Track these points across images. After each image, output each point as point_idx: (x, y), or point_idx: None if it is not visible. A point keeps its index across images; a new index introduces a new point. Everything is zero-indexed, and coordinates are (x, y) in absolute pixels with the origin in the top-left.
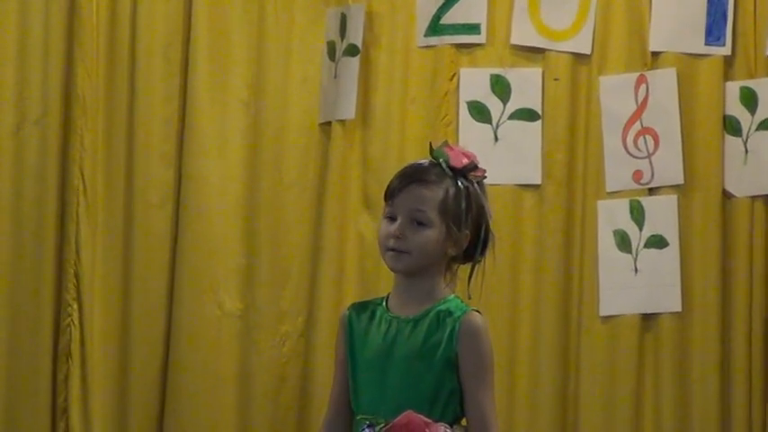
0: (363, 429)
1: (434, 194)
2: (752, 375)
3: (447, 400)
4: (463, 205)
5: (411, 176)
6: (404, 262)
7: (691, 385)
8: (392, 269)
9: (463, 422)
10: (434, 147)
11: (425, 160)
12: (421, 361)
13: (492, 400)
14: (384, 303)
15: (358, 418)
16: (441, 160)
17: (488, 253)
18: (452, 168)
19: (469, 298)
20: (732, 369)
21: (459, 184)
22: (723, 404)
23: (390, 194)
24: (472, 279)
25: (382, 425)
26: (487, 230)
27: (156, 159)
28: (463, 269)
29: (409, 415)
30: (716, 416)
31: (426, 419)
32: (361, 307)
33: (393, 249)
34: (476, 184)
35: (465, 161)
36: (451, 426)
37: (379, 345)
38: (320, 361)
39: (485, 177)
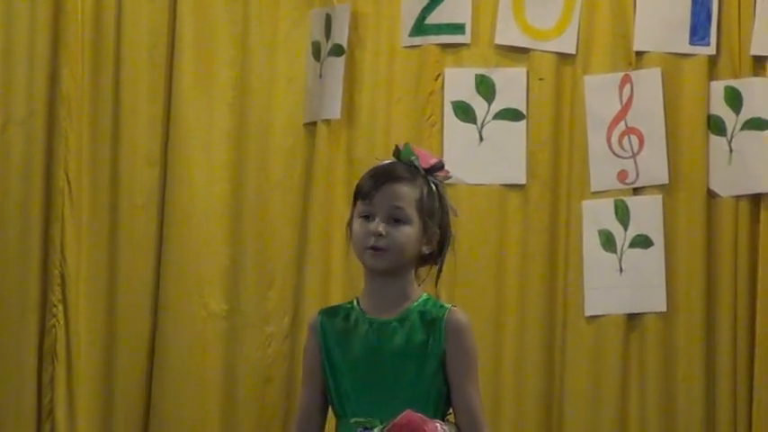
0: None
1: (412, 192)
2: (737, 375)
3: (438, 397)
4: (436, 203)
5: (387, 175)
6: (384, 260)
7: (676, 385)
8: (372, 268)
9: (450, 418)
10: (400, 148)
11: (391, 161)
12: (412, 361)
13: (479, 395)
14: (357, 306)
15: (351, 421)
16: (412, 159)
17: (449, 253)
18: (423, 168)
19: (437, 297)
20: (717, 369)
21: (431, 182)
22: (708, 404)
23: (366, 193)
24: (440, 277)
25: (380, 427)
26: (450, 230)
27: (141, 160)
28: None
29: (408, 414)
30: (701, 415)
31: (424, 417)
32: (331, 312)
33: (374, 248)
34: (441, 184)
35: (433, 161)
36: (444, 422)
37: (364, 348)
38: None
39: (448, 178)
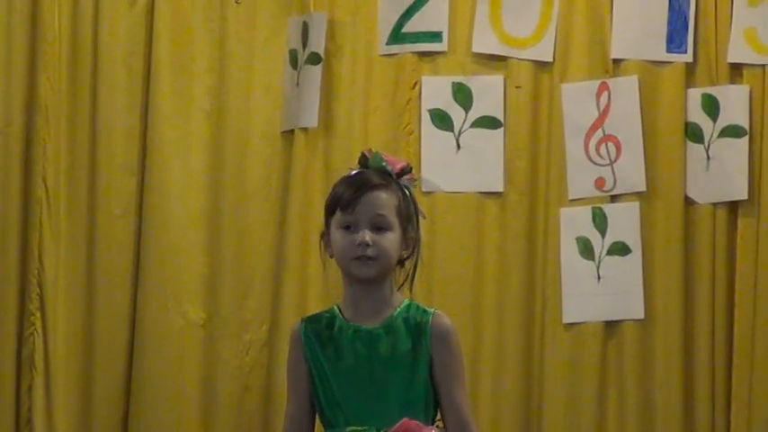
0: None
1: (391, 198)
2: (714, 382)
3: (429, 402)
4: (412, 207)
5: (365, 184)
6: (373, 269)
7: (654, 392)
8: (363, 277)
9: (439, 423)
10: (368, 155)
11: (358, 169)
12: (401, 369)
13: (467, 397)
14: (339, 314)
15: (348, 430)
16: (383, 165)
17: (417, 255)
18: (394, 173)
19: (412, 300)
20: (695, 376)
21: (403, 187)
22: (686, 411)
23: (346, 204)
24: (414, 280)
25: None
26: (419, 232)
27: (118, 169)
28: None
29: (405, 423)
30: (679, 422)
31: (420, 424)
32: (313, 319)
33: (361, 258)
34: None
35: (401, 165)
36: (435, 427)
37: (352, 356)
38: (284, 370)
39: (414, 180)
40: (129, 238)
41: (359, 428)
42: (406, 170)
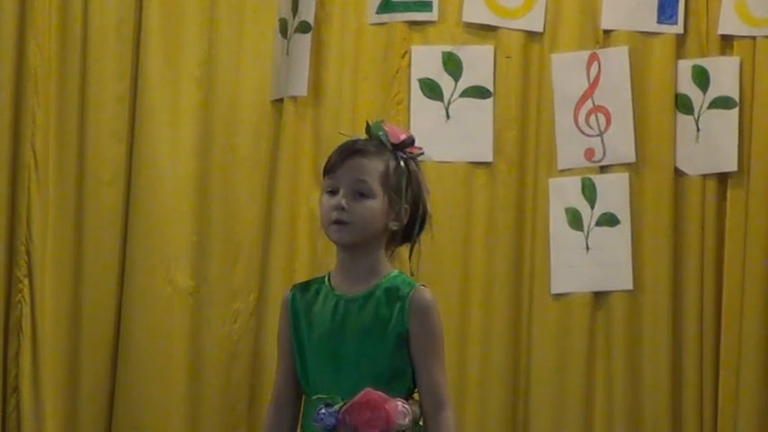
0: (320, 409)
1: (375, 165)
2: (703, 353)
3: (401, 375)
4: (404, 178)
5: (351, 149)
6: (348, 234)
7: (642, 363)
8: (336, 242)
9: (416, 396)
10: (371, 124)
11: (358, 137)
12: (373, 338)
13: (444, 374)
14: (327, 282)
15: (313, 398)
16: (380, 134)
17: (426, 230)
18: (391, 143)
19: (412, 275)
20: (683, 347)
21: (399, 158)
22: (674, 382)
23: (330, 168)
24: (412, 257)
25: (340, 404)
26: (425, 207)
27: (107, 136)
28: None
29: (368, 393)
30: (667, 393)
31: (384, 396)
32: (303, 287)
33: (336, 222)
34: (413, 161)
35: (403, 136)
36: (406, 401)
37: (328, 324)
38: (271, 338)
39: (421, 154)
40: (118, 205)
41: (324, 397)
42: (407, 142)
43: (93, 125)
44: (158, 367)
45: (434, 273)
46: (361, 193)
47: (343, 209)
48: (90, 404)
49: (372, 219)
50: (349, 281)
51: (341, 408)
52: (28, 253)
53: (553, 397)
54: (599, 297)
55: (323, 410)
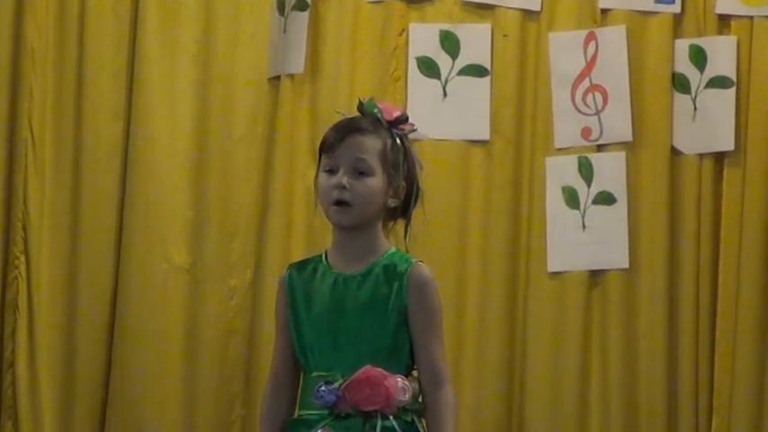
0: (320, 386)
1: (374, 143)
2: (698, 331)
3: (400, 352)
4: (401, 155)
5: (349, 127)
6: (349, 216)
7: (638, 341)
8: (337, 224)
9: (414, 373)
10: (363, 102)
11: (354, 115)
12: (373, 316)
13: (443, 350)
14: (324, 260)
15: (313, 375)
16: (374, 111)
17: (418, 207)
18: (386, 121)
19: (407, 252)
20: (679, 325)
21: (395, 134)
22: (670, 360)
23: (329, 147)
24: (408, 233)
25: (340, 381)
26: (419, 183)
27: (104, 113)
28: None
29: (368, 369)
30: (662, 371)
31: (384, 372)
32: (300, 266)
33: (338, 202)
34: (406, 137)
35: (397, 113)
36: (405, 377)
37: (327, 302)
38: (268, 314)
39: (414, 130)
40: (115, 182)
41: (324, 374)
42: (401, 119)
43: (90, 102)
44: (155, 343)
45: (431, 251)
46: (361, 172)
47: (344, 188)
48: (86, 380)
49: (373, 197)
50: (347, 259)
51: (341, 385)
52: (24, 229)
53: (549, 374)
54: (595, 275)
55: (323, 388)
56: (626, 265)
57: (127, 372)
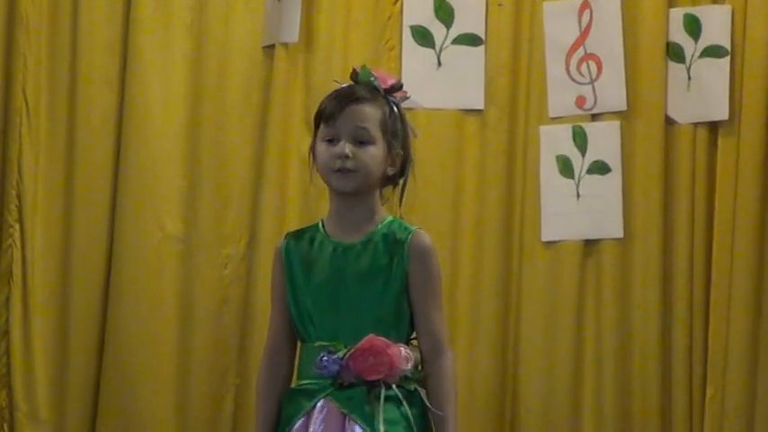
0: (323, 356)
1: (374, 112)
2: (693, 301)
3: (401, 320)
4: (398, 123)
5: (349, 96)
6: (353, 182)
7: (631, 310)
8: (341, 190)
9: (414, 342)
10: (357, 70)
11: (350, 84)
12: (375, 284)
13: (443, 318)
14: (321, 229)
15: (315, 344)
16: (371, 79)
17: (410, 173)
18: (382, 88)
19: (401, 218)
20: (673, 295)
21: (391, 102)
22: (664, 329)
23: (329, 117)
24: (402, 201)
25: (343, 351)
26: (411, 150)
27: (98, 82)
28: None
29: (371, 339)
30: (656, 340)
31: (387, 341)
32: (297, 235)
33: (341, 170)
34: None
35: (391, 81)
36: (407, 346)
37: (328, 271)
38: (262, 283)
39: (407, 98)
40: (109, 151)
41: (327, 343)
42: (396, 86)
43: (84, 71)
44: (149, 312)
45: (425, 220)
46: (363, 141)
47: (347, 157)
48: (80, 349)
49: (375, 165)
50: (345, 228)
51: (344, 354)
52: (19, 197)
53: (543, 343)
54: (589, 245)
55: (325, 357)
56: (620, 234)
57: (121, 341)
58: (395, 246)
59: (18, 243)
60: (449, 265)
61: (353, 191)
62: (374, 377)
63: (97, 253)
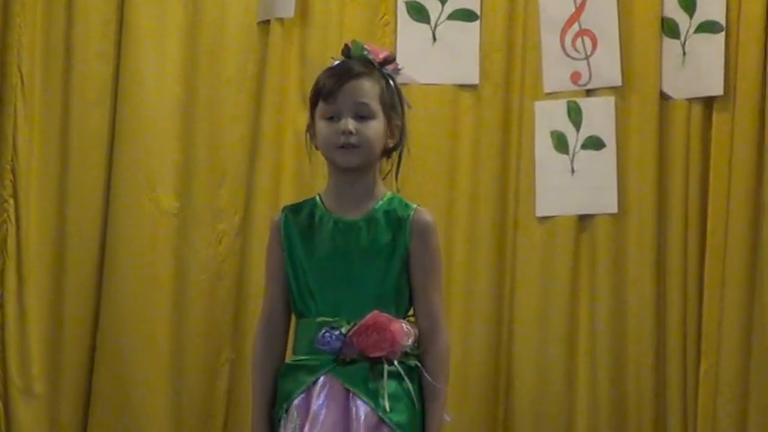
0: (325, 332)
1: (372, 87)
2: (686, 277)
3: (401, 297)
4: (395, 96)
5: (347, 73)
6: (357, 157)
7: (626, 287)
8: (346, 165)
9: (411, 318)
10: (350, 46)
11: (343, 60)
12: (378, 261)
13: (441, 297)
14: (320, 204)
15: (318, 320)
16: (365, 53)
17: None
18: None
19: (398, 191)
20: (667, 270)
21: (386, 75)
22: (658, 305)
23: (328, 94)
24: (399, 173)
25: (346, 327)
26: (405, 122)
27: (93, 56)
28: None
29: (375, 315)
30: (651, 317)
31: (390, 317)
32: (295, 209)
33: (345, 146)
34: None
35: (384, 54)
36: (407, 322)
37: (329, 247)
38: (256, 259)
39: (399, 70)
40: (104, 126)
41: (329, 319)
42: (389, 59)
43: (79, 46)
44: (143, 287)
45: (419, 195)
46: (363, 116)
47: (351, 133)
48: (74, 323)
49: (377, 139)
50: (346, 203)
51: (348, 331)
52: (13, 172)
53: (537, 319)
54: (584, 220)
55: (327, 333)
56: (614, 209)
57: (115, 315)
58: (397, 223)
59: (13, 218)
60: (444, 240)
61: (358, 166)
62: (378, 353)
63: (92, 228)
